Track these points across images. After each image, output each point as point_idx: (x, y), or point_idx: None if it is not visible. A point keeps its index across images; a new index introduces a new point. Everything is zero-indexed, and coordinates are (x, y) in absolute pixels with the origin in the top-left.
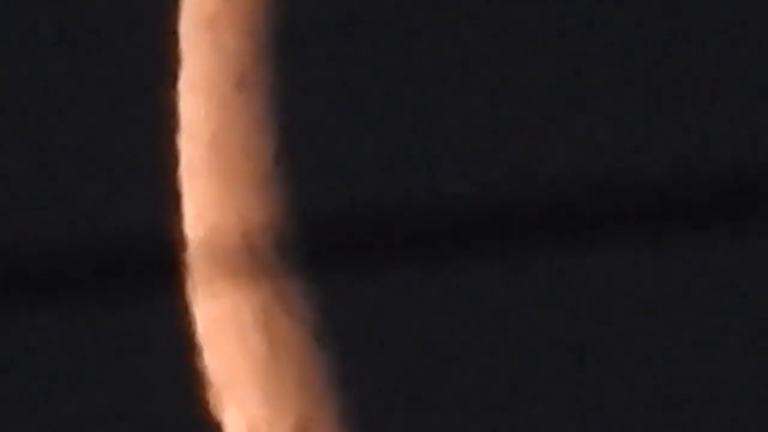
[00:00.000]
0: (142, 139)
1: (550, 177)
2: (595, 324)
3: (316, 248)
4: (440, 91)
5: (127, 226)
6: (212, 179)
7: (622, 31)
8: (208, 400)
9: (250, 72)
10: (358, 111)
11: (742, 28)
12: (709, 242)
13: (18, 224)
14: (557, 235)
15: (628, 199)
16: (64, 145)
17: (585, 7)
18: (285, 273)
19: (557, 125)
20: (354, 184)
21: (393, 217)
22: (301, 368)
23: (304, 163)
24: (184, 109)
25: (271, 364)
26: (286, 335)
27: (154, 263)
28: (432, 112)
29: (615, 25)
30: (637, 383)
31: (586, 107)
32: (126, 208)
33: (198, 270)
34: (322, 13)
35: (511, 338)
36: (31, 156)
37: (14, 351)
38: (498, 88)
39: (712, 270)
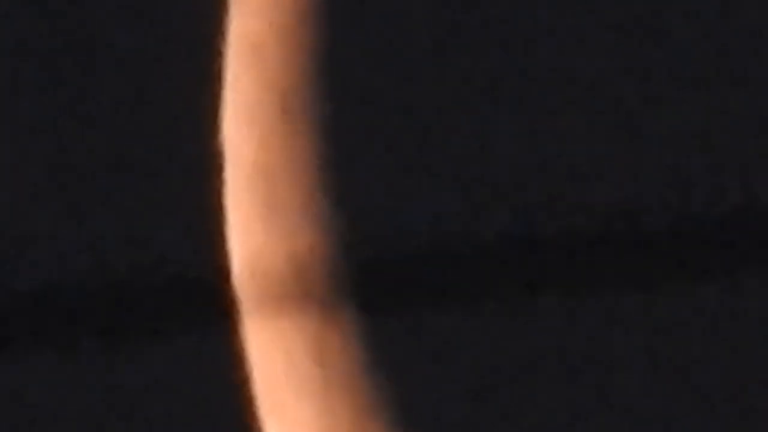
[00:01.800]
0: (187, 165)
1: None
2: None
3: (364, 276)
4: (494, 118)
5: (172, 256)
6: (257, 206)
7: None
8: (258, 428)
9: (294, 99)
10: (405, 139)
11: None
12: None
13: (64, 259)
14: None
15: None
16: (109, 173)
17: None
18: (334, 300)
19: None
20: (401, 214)
21: (441, 248)
22: (353, 396)
23: (350, 191)
24: (228, 135)
25: (323, 392)
26: (338, 363)
27: (202, 292)
28: (484, 140)
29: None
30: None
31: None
32: (171, 237)
33: (245, 297)
34: (367, 41)
35: (547, 369)
36: (77, 183)
37: (68, 385)
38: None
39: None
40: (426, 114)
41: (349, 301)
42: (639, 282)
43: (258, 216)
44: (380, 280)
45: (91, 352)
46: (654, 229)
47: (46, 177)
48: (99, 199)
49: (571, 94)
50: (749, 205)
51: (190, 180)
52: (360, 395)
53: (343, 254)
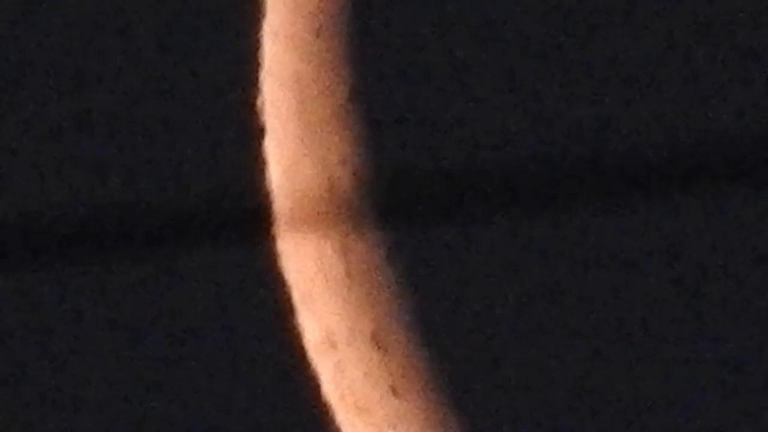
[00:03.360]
0: (228, 81)
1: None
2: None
3: (389, 186)
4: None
5: (217, 174)
6: (292, 119)
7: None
8: (298, 322)
9: (328, 21)
10: (427, 61)
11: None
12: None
13: (113, 182)
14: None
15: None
16: (154, 97)
17: None
18: (362, 207)
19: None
20: (420, 127)
21: (460, 161)
22: (375, 295)
23: (377, 105)
24: (267, 54)
25: (348, 291)
26: (361, 259)
27: (243, 207)
28: (497, 65)
29: None
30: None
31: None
32: (216, 157)
33: (282, 211)
34: None
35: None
36: (127, 107)
37: (127, 292)
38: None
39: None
40: (449, 48)
41: (376, 207)
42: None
43: (293, 133)
44: (404, 190)
45: (149, 264)
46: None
47: (108, 106)
48: (147, 125)
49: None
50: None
51: (230, 94)
52: (381, 295)
53: (369, 164)
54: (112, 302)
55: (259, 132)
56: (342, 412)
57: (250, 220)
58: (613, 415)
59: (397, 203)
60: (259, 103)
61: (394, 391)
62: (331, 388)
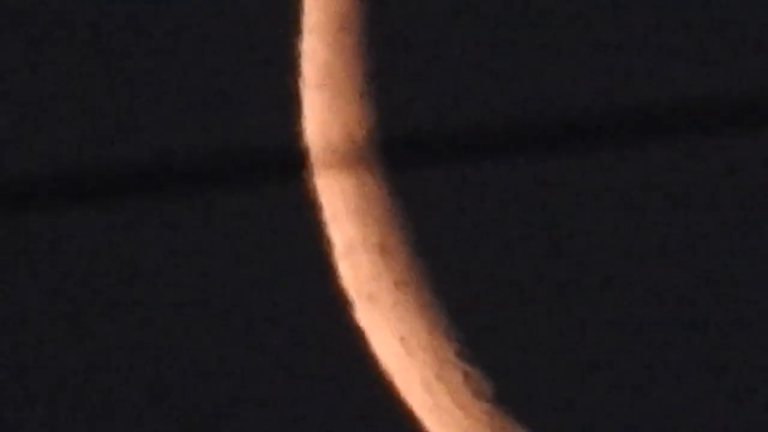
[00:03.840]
0: (276, 59)
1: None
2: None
3: (392, 141)
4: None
5: (265, 127)
6: (324, 94)
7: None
8: (327, 234)
9: (352, 19)
10: (427, 55)
11: None
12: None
13: (161, 132)
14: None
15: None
16: (207, 63)
17: None
18: (372, 156)
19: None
20: (423, 105)
21: (453, 129)
22: (382, 210)
23: (392, 84)
24: (305, 44)
25: (362, 205)
26: (372, 192)
27: (285, 152)
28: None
29: None
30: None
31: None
32: (265, 113)
33: (315, 154)
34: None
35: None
36: (174, 69)
37: (174, 229)
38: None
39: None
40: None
41: (381, 161)
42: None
43: (324, 100)
44: (405, 146)
45: (197, 203)
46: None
47: (160, 65)
48: (196, 83)
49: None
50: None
51: (276, 70)
52: (386, 216)
53: (382, 131)
54: (172, 234)
55: (299, 99)
56: (357, 300)
57: (293, 162)
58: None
59: (399, 155)
60: (298, 79)
61: (396, 285)
62: (348, 283)
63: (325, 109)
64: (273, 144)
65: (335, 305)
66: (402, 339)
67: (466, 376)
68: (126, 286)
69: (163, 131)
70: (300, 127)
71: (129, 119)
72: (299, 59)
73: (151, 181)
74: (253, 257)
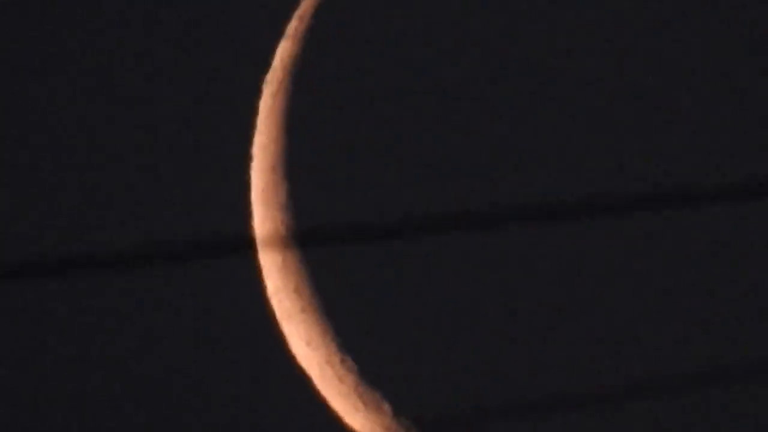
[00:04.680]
0: (229, 162)
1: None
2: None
3: (316, 232)
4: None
5: (220, 218)
6: (266, 192)
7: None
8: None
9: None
10: (352, 149)
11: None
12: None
13: (129, 217)
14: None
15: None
16: (173, 158)
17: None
18: (292, 239)
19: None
20: (345, 193)
21: (366, 217)
22: (298, 276)
23: (309, 187)
24: (256, 143)
25: (285, 274)
26: (292, 265)
27: (237, 239)
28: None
29: None
30: None
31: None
32: (219, 205)
33: (259, 240)
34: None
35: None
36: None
37: (140, 305)
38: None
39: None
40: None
41: (302, 250)
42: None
43: (261, 200)
44: (321, 239)
45: (158, 278)
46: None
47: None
48: (159, 176)
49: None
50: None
51: (229, 174)
52: (300, 278)
53: (304, 219)
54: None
55: (248, 195)
56: (283, 322)
57: (242, 245)
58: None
59: (313, 239)
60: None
61: (303, 310)
62: (275, 305)
63: (264, 206)
64: (226, 231)
65: (267, 324)
66: (308, 343)
67: (342, 361)
68: (110, 344)
69: (137, 221)
70: (245, 216)
71: (108, 211)
72: (250, 167)
73: (131, 261)
74: (207, 319)
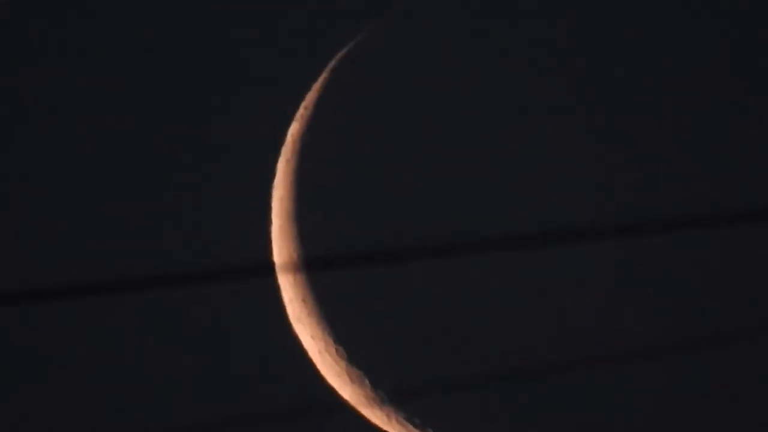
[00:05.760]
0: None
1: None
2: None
3: (318, 259)
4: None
5: (242, 245)
6: (281, 219)
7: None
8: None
9: (297, 167)
10: (348, 188)
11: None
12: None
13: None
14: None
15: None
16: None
17: None
18: (300, 265)
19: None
20: (340, 232)
21: (361, 243)
22: (307, 292)
23: (316, 216)
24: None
25: (296, 289)
26: (303, 285)
27: (261, 264)
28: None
29: None
30: None
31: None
32: (239, 232)
33: (277, 264)
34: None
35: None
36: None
37: (170, 319)
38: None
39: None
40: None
41: (308, 271)
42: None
43: (279, 235)
44: (322, 264)
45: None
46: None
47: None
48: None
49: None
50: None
51: (255, 217)
52: (308, 293)
53: (306, 254)
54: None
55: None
56: (294, 322)
57: (263, 269)
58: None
59: (316, 264)
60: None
61: (309, 314)
62: (289, 311)
63: (281, 240)
64: (242, 256)
65: (283, 324)
66: (312, 337)
67: (337, 349)
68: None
69: (187, 252)
70: (263, 241)
71: (143, 236)
72: (270, 213)
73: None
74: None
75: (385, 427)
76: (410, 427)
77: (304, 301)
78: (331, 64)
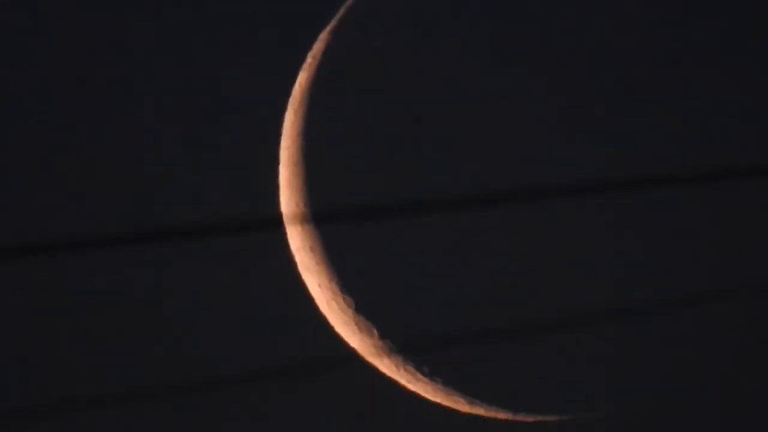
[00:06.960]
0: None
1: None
2: None
3: (325, 209)
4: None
5: (252, 200)
6: (289, 184)
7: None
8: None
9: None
10: (351, 145)
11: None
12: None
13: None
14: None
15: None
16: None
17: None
18: (307, 216)
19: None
20: (347, 182)
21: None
22: (315, 241)
23: (319, 183)
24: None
25: (304, 238)
26: (310, 236)
27: (270, 215)
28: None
29: None
30: None
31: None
32: (252, 189)
33: (285, 215)
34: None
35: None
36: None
37: (181, 276)
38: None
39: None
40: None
41: (315, 221)
42: None
43: (286, 187)
44: (328, 214)
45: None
46: None
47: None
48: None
49: None
50: None
51: (263, 169)
52: (316, 242)
53: (317, 200)
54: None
55: (276, 188)
56: (302, 271)
57: (272, 223)
58: None
59: (322, 214)
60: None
61: (317, 263)
62: (297, 260)
63: (288, 191)
64: (252, 211)
65: (292, 273)
66: (320, 285)
67: (344, 298)
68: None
69: (195, 204)
70: (273, 199)
71: (151, 188)
72: (278, 163)
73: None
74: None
75: (393, 377)
76: (419, 375)
77: (312, 250)
78: (340, 12)
